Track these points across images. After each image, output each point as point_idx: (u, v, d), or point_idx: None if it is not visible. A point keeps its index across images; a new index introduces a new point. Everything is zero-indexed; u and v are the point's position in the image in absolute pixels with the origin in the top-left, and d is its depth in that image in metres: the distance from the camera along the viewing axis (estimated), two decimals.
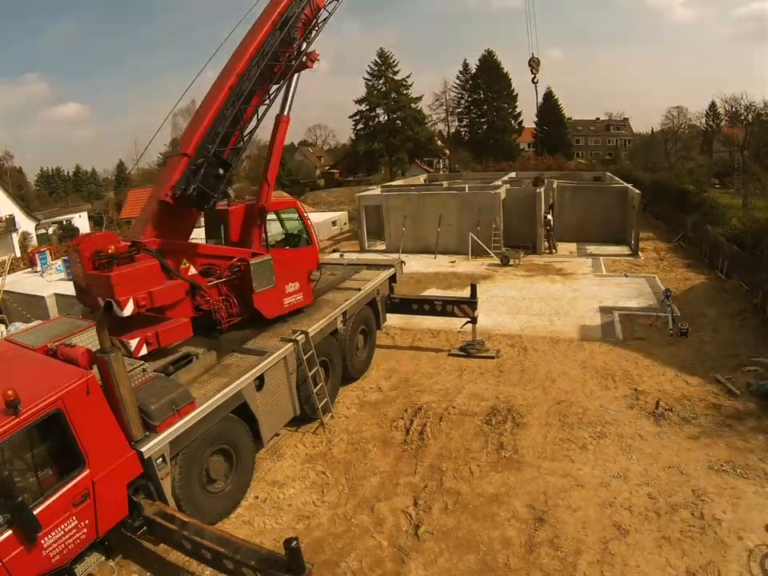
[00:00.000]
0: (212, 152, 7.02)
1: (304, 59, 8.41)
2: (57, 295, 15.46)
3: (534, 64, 16.04)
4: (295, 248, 8.89)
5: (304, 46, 8.43)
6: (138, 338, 5.86)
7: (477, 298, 10.41)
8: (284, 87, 8.37)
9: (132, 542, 5.64)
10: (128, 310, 5.73)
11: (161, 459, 5.31)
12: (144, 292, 5.87)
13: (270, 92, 7.96)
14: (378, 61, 55.17)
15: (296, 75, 8.49)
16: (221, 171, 7.06)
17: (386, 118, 55.62)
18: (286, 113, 8.45)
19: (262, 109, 7.94)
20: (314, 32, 8.59)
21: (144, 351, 5.96)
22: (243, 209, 8.36)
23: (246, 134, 7.69)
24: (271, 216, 8.60)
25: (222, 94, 7.39)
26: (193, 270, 7.15)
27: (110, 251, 6.01)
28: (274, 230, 9.15)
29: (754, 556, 5.11)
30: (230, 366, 6.91)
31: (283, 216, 9.09)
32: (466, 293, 11.02)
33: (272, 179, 8.38)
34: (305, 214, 9.09)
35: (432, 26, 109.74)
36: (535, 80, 16.56)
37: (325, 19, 8.68)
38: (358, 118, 56.60)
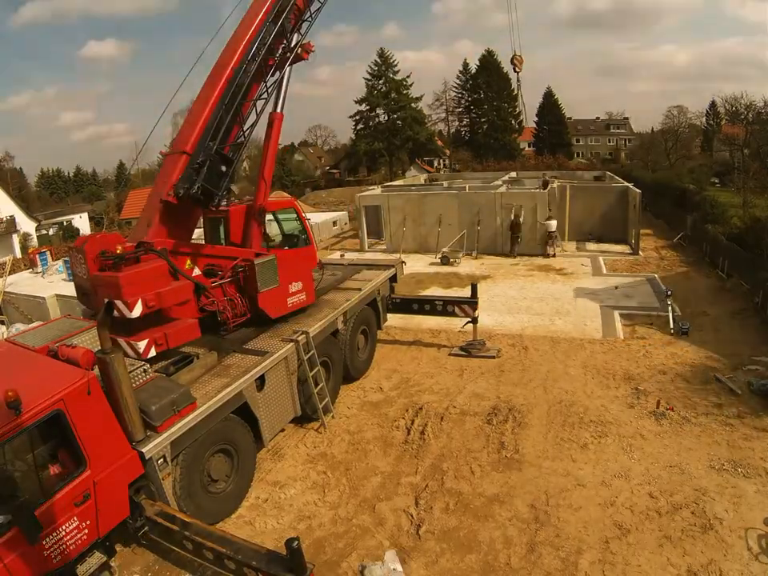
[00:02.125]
0: (214, 149, 6.96)
1: (299, 51, 8.33)
2: (57, 296, 15.47)
3: (516, 62, 15.69)
4: (294, 248, 8.90)
5: (297, 37, 8.38)
6: (147, 340, 5.84)
7: (477, 297, 10.41)
8: (277, 83, 8.29)
9: (133, 542, 5.65)
10: (137, 311, 5.64)
11: (162, 459, 5.31)
12: (152, 293, 5.78)
13: (268, 85, 7.94)
14: (378, 61, 55.16)
15: (288, 70, 8.38)
16: (224, 168, 7.01)
17: (386, 118, 55.60)
18: (279, 110, 8.37)
19: (260, 103, 7.91)
20: (306, 23, 8.53)
21: (153, 353, 5.93)
22: (243, 209, 8.37)
23: (246, 128, 7.65)
24: (269, 216, 8.64)
25: (217, 89, 7.33)
26: (197, 271, 7.14)
27: (117, 251, 5.94)
28: (273, 230, 9.17)
29: (752, 535, 5.11)
30: (230, 366, 6.91)
31: (281, 216, 9.11)
32: (466, 292, 11.02)
33: (269, 178, 8.35)
34: (303, 214, 9.11)
35: None
36: (518, 80, 16.32)
37: (318, 9, 8.60)
38: (358, 118, 56.60)
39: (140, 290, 5.69)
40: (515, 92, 56.32)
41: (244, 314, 7.66)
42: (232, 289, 7.58)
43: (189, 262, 7.04)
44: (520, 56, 15.40)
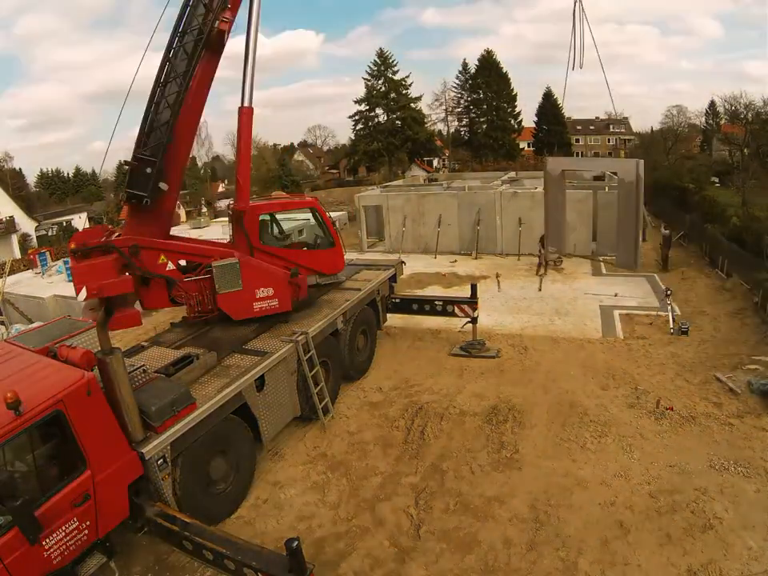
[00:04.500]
0: (136, 152, 6.94)
1: (216, 24, 7.05)
2: (57, 297, 15.47)
3: None
4: (314, 249, 8.96)
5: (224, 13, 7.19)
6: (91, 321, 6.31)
7: (477, 297, 10.41)
8: (243, 72, 7.70)
9: (133, 543, 5.64)
10: (81, 296, 6.19)
11: (161, 460, 5.32)
12: (95, 283, 6.22)
13: (187, 73, 6.98)
14: (378, 61, 55.09)
15: (252, 54, 7.64)
16: (148, 170, 6.94)
17: (386, 118, 55.54)
18: (246, 104, 7.72)
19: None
20: None
21: None
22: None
23: (160, 124, 6.98)
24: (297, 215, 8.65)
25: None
26: (171, 266, 7.38)
27: (71, 247, 6.55)
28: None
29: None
30: (230, 366, 6.92)
31: (280, 217, 9.13)
32: (466, 292, 11.01)
33: (243, 179, 8.09)
34: (326, 215, 9.15)
35: None
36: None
37: None
38: (357, 118, 56.54)
39: (85, 280, 6.26)
40: (513, 91, 56.28)
41: (210, 312, 7.79)
42: (208, 285, 7.64)
43: (162, 257, 7.30)
44: None
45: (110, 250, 6.67)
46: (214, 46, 7.33)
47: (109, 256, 6.61)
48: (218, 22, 7.13)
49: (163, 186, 7.14)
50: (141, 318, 6.93)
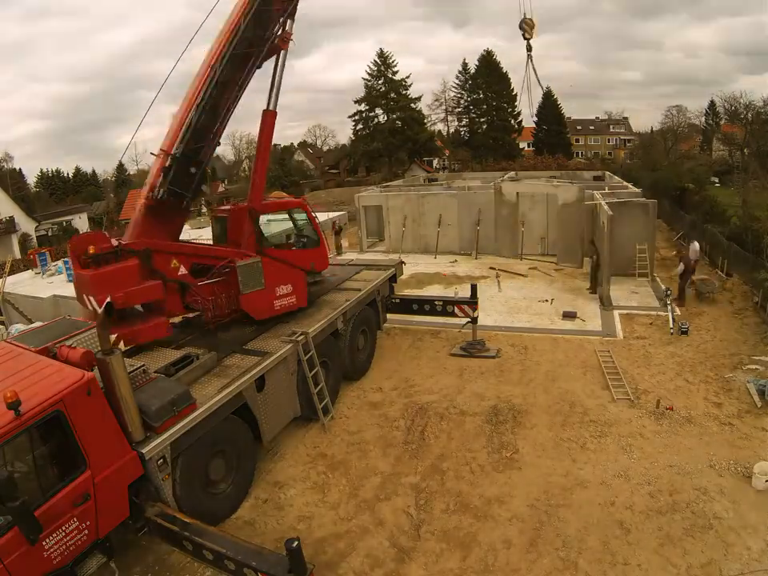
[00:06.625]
0: (181, 150, 6.92)
1: (276, 41, 7.76)
2: (57, 297, 15.47)
3: (527, 27, 12.30)
4: (301, 249, 8.88)
5: (289, 24, 7.94)
6: (116, 335, 6.02)
7: (477, 297, 10.41)
8: (271, 79, 8.12)
9: (133, 543, 5.64)
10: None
11: (161, 460, 5.32)
12: (120, 291, 6.05)
13: (242, 81, 7.49)
14: (378, 61, 55.12)
15: (280, 65, 8.11)
16: (193, 170, 6.94)
17: (386, 118, 55.55)
18: (271, 107, 8.15)
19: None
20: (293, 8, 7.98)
21: (121, 347, 6.08)
22: (243, 209, 8.36)
23: (215, 129, 7.32)
24: (281, 216, 8.66)
25: (197, 87, 7.20)
26: (183, 270, 7.24)
27: (90, 251, 6.20)
28: (275, 229, 9.15)
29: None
30: (230, 366, 6.92)
31: (279, 216, 9.09)
32: (466, 292, 11.01)
33: (260, 179, 8.23)
34: (312, 215, 9.06)
35: None
36: (528, 49, 12.76)
37: None
38: (357, 118, 56.56)
39: (108, 288, 5.99)
40: (513, 91, 56.30)
41: (228, 314, 7.72)
42: (222, 288, 7.59)
43: (174, 261, 7.16)
44: (530, 19, 12.43)
45: (129, 254, 6.49)
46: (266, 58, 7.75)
47: (129, 261, 6.41)
48: (277, 40, 7.71)
49: (206, 188, 7.17)
50: (171, 327, 6.82)
